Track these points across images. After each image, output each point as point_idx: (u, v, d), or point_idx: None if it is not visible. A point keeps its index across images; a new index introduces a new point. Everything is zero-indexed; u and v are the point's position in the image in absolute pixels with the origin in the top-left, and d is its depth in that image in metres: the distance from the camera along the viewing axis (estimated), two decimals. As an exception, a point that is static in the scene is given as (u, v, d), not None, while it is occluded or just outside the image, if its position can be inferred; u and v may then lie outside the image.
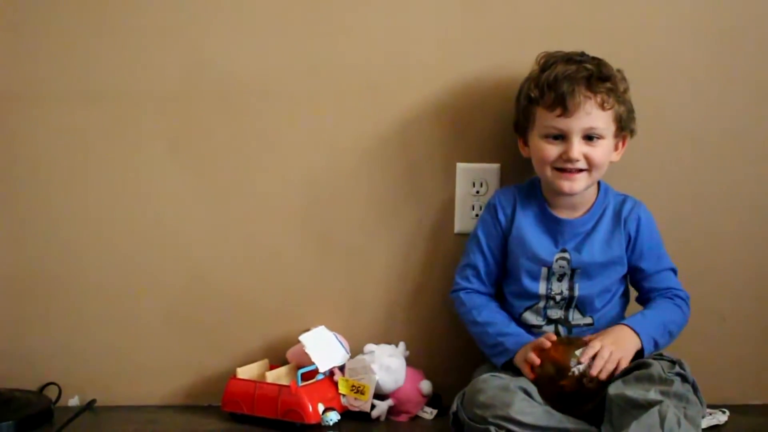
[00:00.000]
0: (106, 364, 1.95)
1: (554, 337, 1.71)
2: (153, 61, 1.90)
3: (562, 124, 1.73)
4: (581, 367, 1.65)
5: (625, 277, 1.83)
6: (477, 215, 1.93)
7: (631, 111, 1.78)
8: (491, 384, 1.67)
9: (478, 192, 1.95)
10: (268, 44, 1.91)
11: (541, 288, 1.80)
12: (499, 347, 1.77)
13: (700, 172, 1.97)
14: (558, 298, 1.79)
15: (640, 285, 1.83)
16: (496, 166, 1.95)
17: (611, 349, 1.66)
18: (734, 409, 1.87)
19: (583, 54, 1.77)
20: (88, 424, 1.84)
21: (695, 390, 1.64)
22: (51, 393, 1.92)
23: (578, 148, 1.72)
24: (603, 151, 1.74)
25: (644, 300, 1.83)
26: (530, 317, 1.81)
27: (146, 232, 1.94)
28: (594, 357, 1.65)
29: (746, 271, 1.99)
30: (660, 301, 1.80)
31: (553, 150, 1.74)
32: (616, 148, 1.79)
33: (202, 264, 1.95)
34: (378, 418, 1.86)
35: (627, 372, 1.66)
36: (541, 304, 1.80)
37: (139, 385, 1.96)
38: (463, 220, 1.96)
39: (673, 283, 1.82)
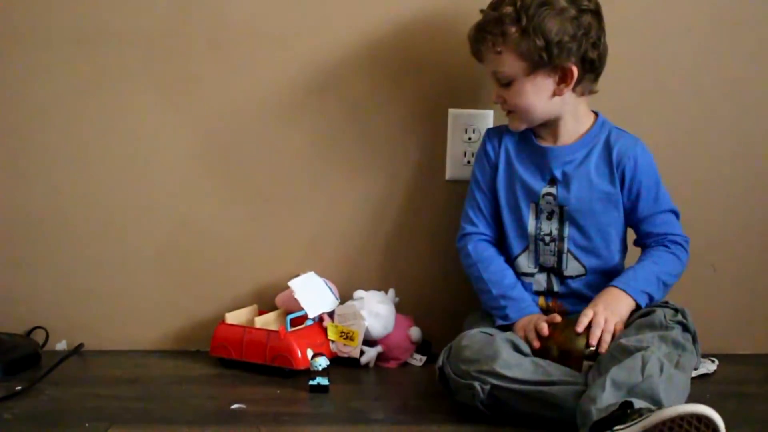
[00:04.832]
0: (94, 308, 1.94)
1: (558, 318, 1.68)
2: (141, 1, 1.87)
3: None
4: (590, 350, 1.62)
5: (623, 223, 1.78)
6: (469, 162, 1.92)
7: (549, 42, 1.67)
8: (477, 338, 1.65)
9: (470, 139, 1.93)
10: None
11: (531, 226, 1.77)
12: (500, 311, 1.75)
13: (693, 120, 1.96)
14: (547, 239, 1.77)
15: (637, 228, 1.79)
16: (489, 112, 1.94)
17: (605, 315, 1.64)
18: (723, 359, 1.88)
19: None
20: (76, 368, 1.83)
21: (694, 340, 1.63)
22: (38, 337, 1.92)
23: (496, 91, 1.76)
24: (518, 93, 1.72)
25: (641, 244, 1.79)
26: (523, 262, 1.79)
27: (135, 175, 1.93)
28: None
29: (737, 222, 1.99)
30: (653, 252, 1.76)
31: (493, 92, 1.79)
32: (560, 82, 1.71)
33: (191, 208, 1.94)
34: (367, 364, 1.86)
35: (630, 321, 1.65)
36: (532, 247, 1.78)
37: (127, 329, 1.95)
38: (454, 167, 1.95)
39: (670, 227, 1.77)
